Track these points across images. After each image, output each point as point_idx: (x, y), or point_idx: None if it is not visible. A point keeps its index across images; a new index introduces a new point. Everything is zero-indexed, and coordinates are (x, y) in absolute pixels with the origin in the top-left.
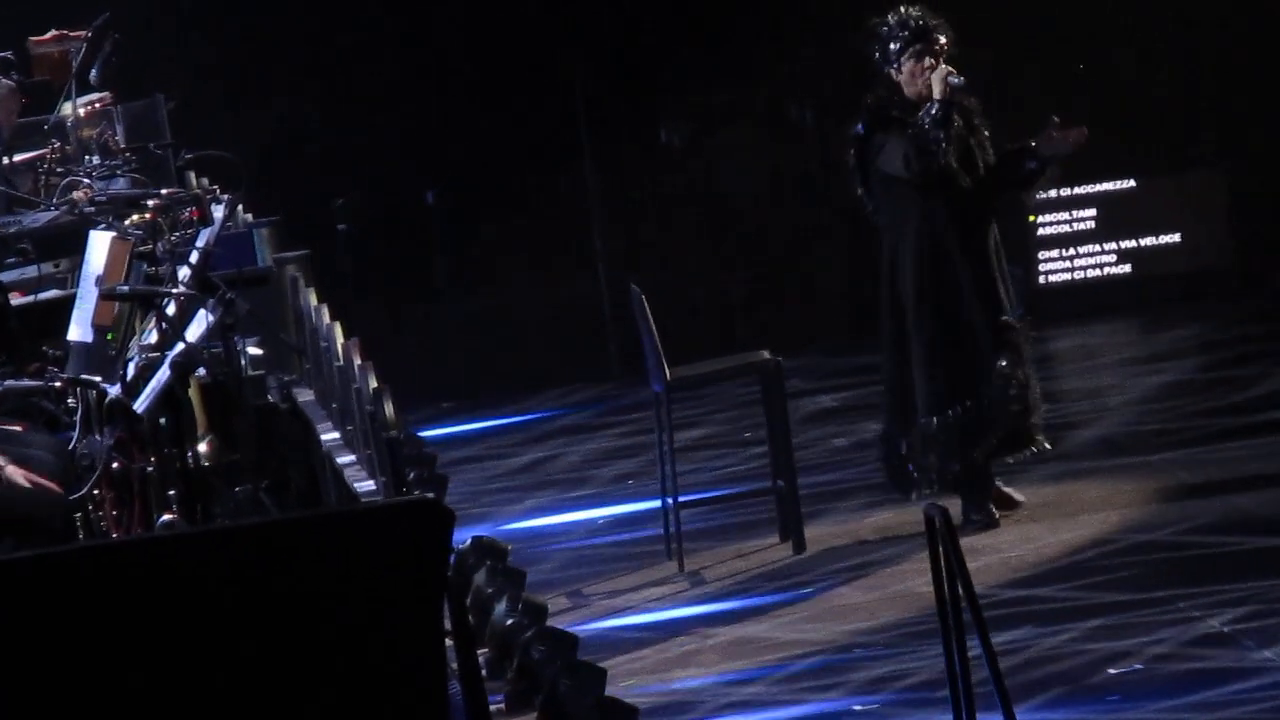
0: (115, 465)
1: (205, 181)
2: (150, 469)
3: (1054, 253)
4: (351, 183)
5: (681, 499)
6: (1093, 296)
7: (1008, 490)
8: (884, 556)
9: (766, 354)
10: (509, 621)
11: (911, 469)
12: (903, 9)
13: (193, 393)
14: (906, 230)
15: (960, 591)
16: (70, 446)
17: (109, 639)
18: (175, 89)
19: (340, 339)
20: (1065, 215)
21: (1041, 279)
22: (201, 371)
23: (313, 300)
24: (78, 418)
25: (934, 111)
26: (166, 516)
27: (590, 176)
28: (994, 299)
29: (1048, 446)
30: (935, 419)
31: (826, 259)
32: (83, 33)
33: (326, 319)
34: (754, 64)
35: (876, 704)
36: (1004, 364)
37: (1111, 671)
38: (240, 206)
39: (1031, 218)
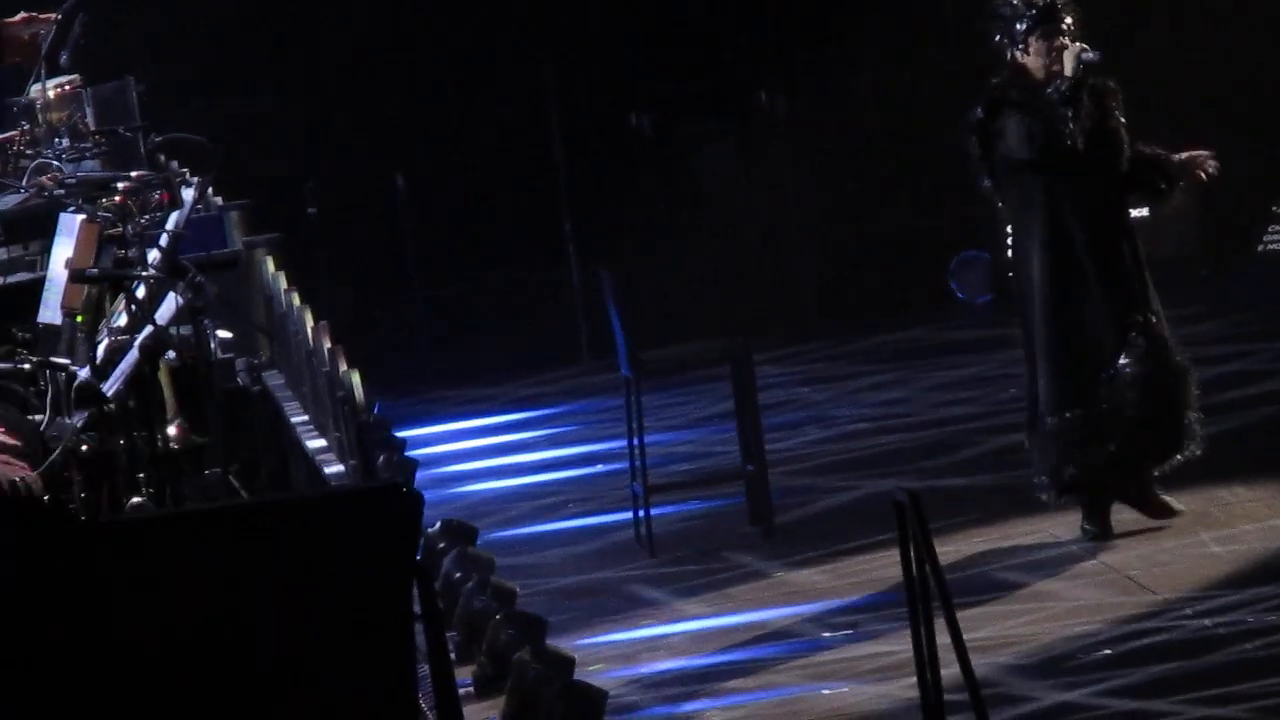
0: (84, 448)
1: (175, 165)
2: (120, 452)
3: None
4: (321, 167)
5: (651, 483)
6: None
7: (1166, 498)
8: (854, 541)
9: (736, 339)
10: (477, 605)
11: (1035, 470)
12: None
13: (162, 376)
14: (1031, 219)
15: (929, 575)
16: (40, 429)
17: (77, 620)
18: (145, 72)
19: (310, 323)
20: None
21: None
22: (171, 355)
23: (282, 284)
24: (47, 400)
25: (1063, 88)
26: (136, 499)
27: (560, 164)
28: (1123, 295)
29: (1195, 453)
30: (1053, 418)
31: (796, 247)
32: (52, 16)
33: (296, 303)
34: (725, 52)
35: (845, 687)
36: (1127, 368)
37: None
38: (210, 190)
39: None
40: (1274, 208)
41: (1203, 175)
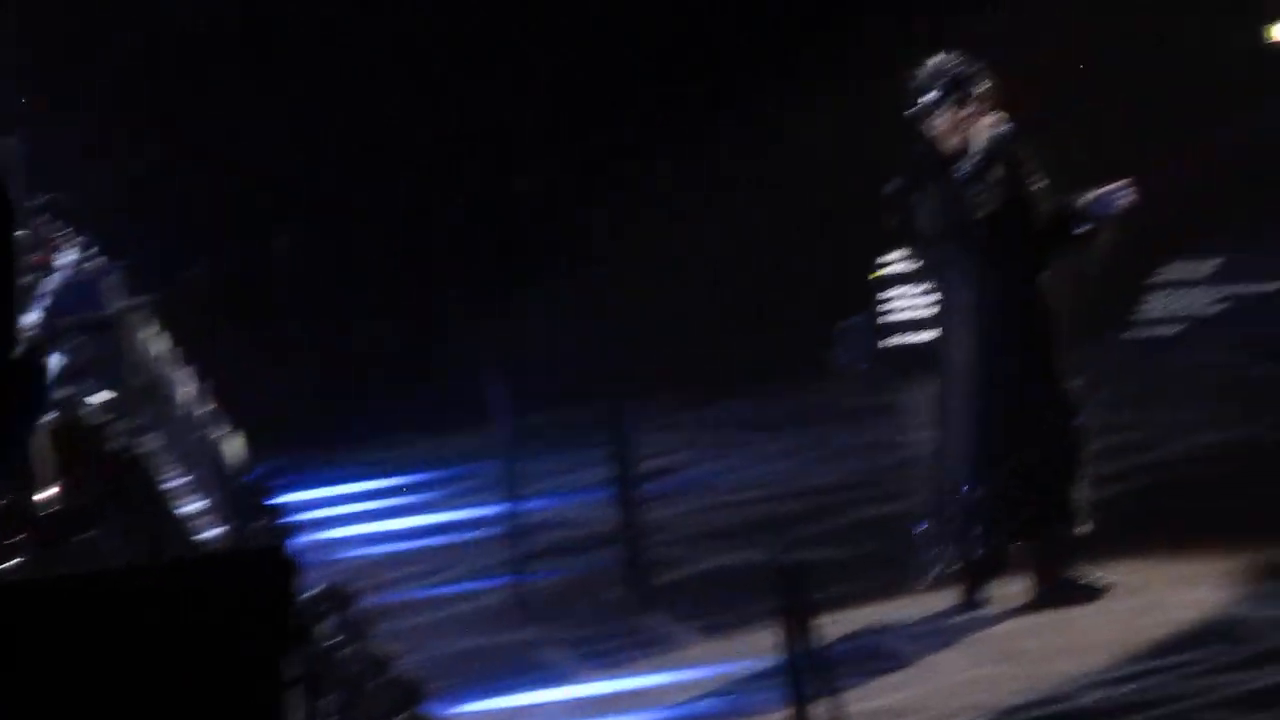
0: None
1: (56, 226)
2: None
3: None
4: (199, 229)
5: (530, 548)
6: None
7: (1075, 577)
8: (734, 607)
9: (617, 404)
10: (356, 669)
11: (935, 540)
12: (939, 57)
13: (40, 437)
14: (950, 289)
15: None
16: None
17: None
18: (28, 133)
19: (189, 384)
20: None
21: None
22: (49, 416)
23: (160, 345)
24: None
25: (972, 166)
26: (12, 561)
27: (438, 227)
28: (1039, 365)
29: (1086, 529)
30: (971, 487)
31: (680, 311)
32: None
33: (174, 364)
34: (600, 120)
35: None
36: (1043, 437)
37: None
38: (90, 251)
39: (879, 271)
40: (1147, 279)
41: (1115, 198)
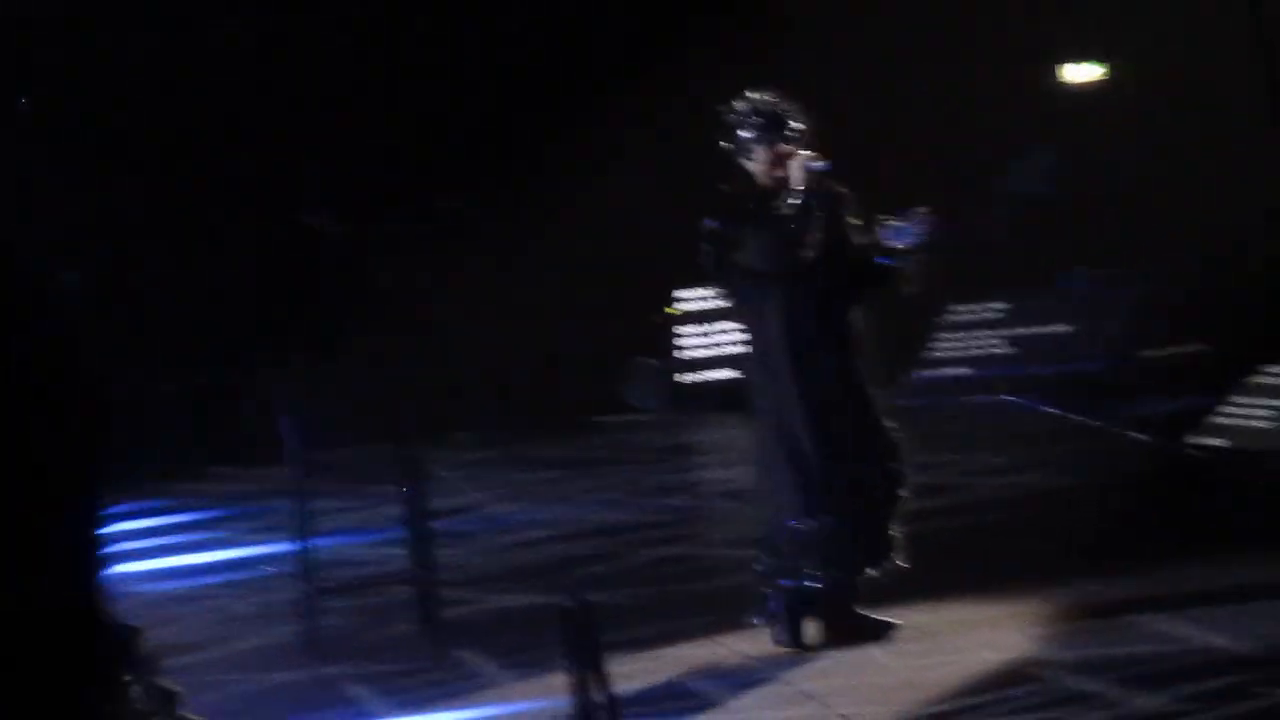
0: None
1: None
2: None
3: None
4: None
5: (321, 585)
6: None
7: (876, 617)
8: (524, 646)
9: (411, 442)
10: (140, 707)
11: (774, 576)
12: (754, 95)
13: None
14: (767, 328)
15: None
16: None
17: None
18: None
19: None
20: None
21: (682, 375)
22: None
23: None
24: None
25: (794, 202)
26: None
27: (238, 266)
28: (857, 404)
29: (902, 564)
30: (798, 526)
31: (476, 351)
32: None
33: None
34: (404, 152)
35: None
36: (865, 476)
37: None
38: None
39: (673, 310)
40: (940, 317)
41: (912, 226)
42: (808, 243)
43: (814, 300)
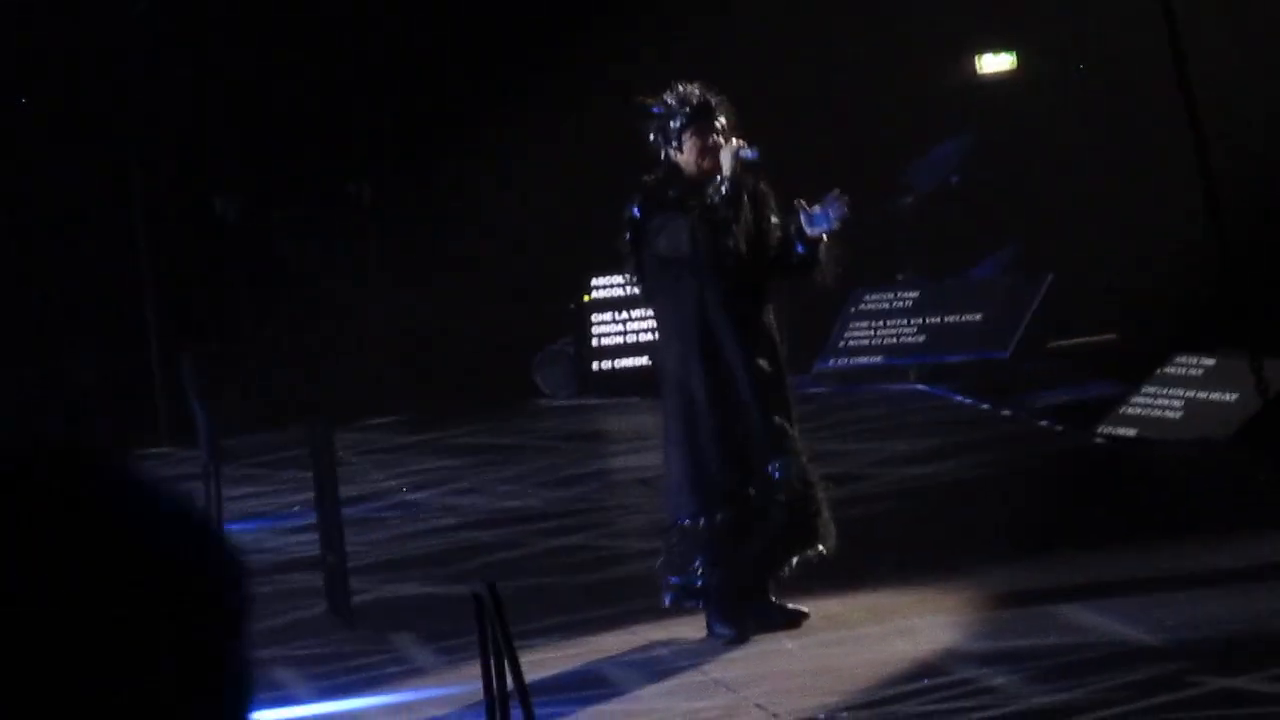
0: None
1: None
2: None
3: (610, 327)
4: None
5: None
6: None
7: (792, 606)
8: (435, 632)
9: (319, 426)
10: None
11: (666, 570)
12: (681, 86)
13: None
14: (683, 320)
15: (507, 668)
16: None
17: None
18: None
19: None
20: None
21: (595, 362)
22: None
23: None
24: None
25: (724, 190)
26: None
27: (144, 248)
28: (771, 399)
29: (823, 551)
30: (701, 520)
31: (383, 335)
32: None
33: None
34: (308, 142)
35: None
36: (777, 471)
37: None
38: None
39: (586, 297)
40: (853, 308)
41: (827, 211)
42: (735, 233)
43: (732, 291)
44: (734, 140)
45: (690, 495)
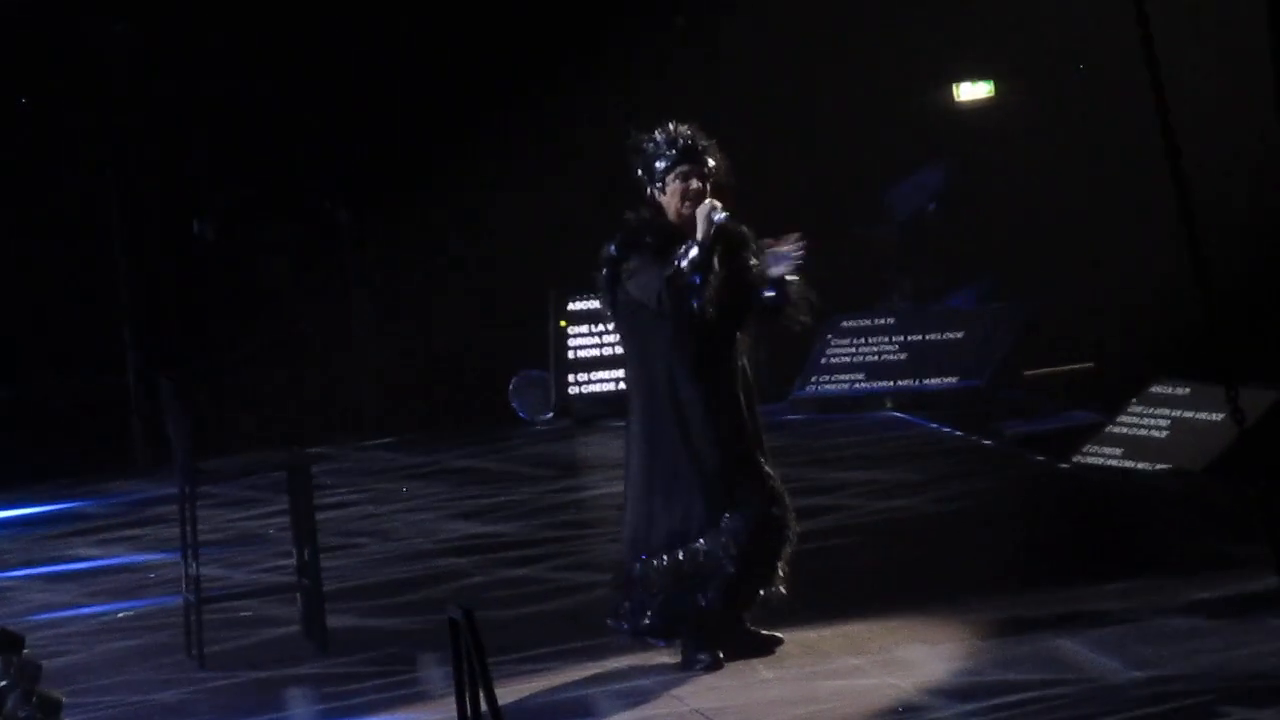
0: None
1: None
2: None
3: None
4: None
5: (205, 594)
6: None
7: (766, 633)
8: (410, 658)
9: (296, 450)
10: (21, 715)
11: (630, 605)
12: (672, 126)
13: None
14: (651, 360)
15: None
16: None
17: None
18: None
19: None
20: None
21: (571, 387)
22: None
23: None
24: None
25: (694, 255)
26: None
27: (121, 270)
28: (740, 438)
29: (781, 592)
30: (666, 556)
31: (360, 360)
32: None
33: None
34: (288, 164)
35: None
36: (744, 509)
37: None
38: None
39: (563, 323)
40: (830, 334)
41: (780, 254)
42: (704, 297)
43: (702, 341)
44: (710, 201)
45: (647, 534)
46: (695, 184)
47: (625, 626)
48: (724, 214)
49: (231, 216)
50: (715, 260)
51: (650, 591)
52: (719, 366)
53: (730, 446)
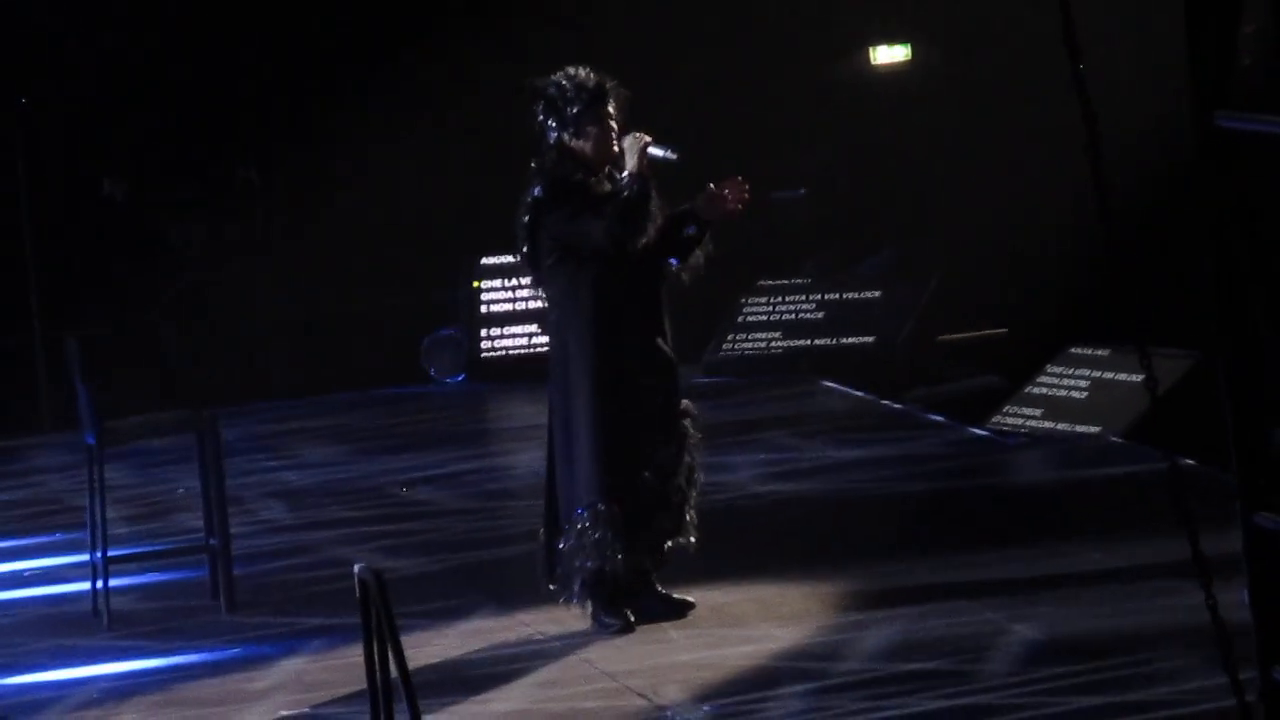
0: None
1: None
2: None
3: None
4: None
5: (111, 554)
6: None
7: (678, 596)
8: (318, 618)
9: (203, 409)
10: None
11: (561, 566)
12: (573, 70)
13: None
14: (578, 306)
15: (391, 657)
16: None
17: None
18: None
19: None
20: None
21: (485, 345)
22: None
23: None
24: None
25: (633, 188)
26: None
27: (27, 230)
28: (667, 385)
29: (690, 542)
30: (598, 508)
31: (270, 319)
32: None
33: None
34: (197, 124)
35: None
36: (672, 458)
37: None
38: None
39: (476, 284)
40: (744, 300)
41: (736, 205)
42: (648, 228)
43: (634, 277)
44: (641, 135)
45: (591, 484)
46: (612, 124)
47: (550, 589)
48: (667, 151)
49: (141, 177)
50: (651, 192)
51: (562, 551)
52: (651, 305)
53: (669, 383)
